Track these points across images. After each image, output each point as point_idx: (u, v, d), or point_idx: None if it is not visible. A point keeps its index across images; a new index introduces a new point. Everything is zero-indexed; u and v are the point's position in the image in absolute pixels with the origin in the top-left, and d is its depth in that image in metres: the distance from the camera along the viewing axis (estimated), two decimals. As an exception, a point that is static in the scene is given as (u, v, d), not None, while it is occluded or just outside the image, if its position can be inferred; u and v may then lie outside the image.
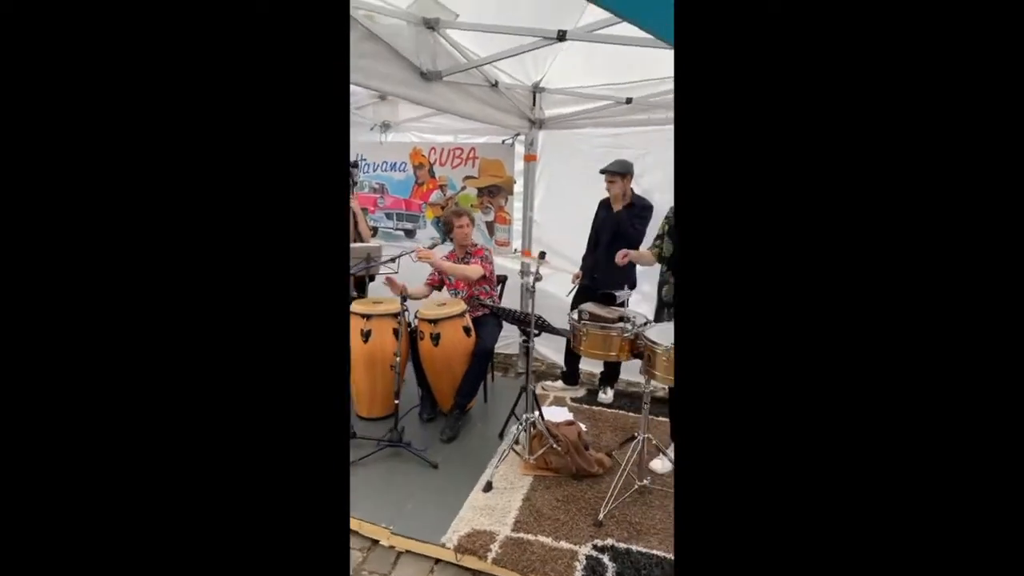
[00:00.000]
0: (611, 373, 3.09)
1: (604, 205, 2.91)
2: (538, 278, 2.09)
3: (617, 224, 2.75)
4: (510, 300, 3.34)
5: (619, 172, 2.71)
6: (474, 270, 2.77)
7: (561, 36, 2.01)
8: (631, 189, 2.79)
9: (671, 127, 3.11)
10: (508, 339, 3.60)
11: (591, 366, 3.25)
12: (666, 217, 2.35)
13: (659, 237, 2.35)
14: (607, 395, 3.08)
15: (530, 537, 1.90)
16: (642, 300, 2.86)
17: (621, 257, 2.39)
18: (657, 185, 3.06)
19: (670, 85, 2.85)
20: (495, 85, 2.74)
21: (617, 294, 1.97)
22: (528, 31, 2.09)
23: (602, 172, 2.74)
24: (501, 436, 2.62)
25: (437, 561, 1.86)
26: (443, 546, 1.86)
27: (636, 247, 2.65)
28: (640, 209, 2.74)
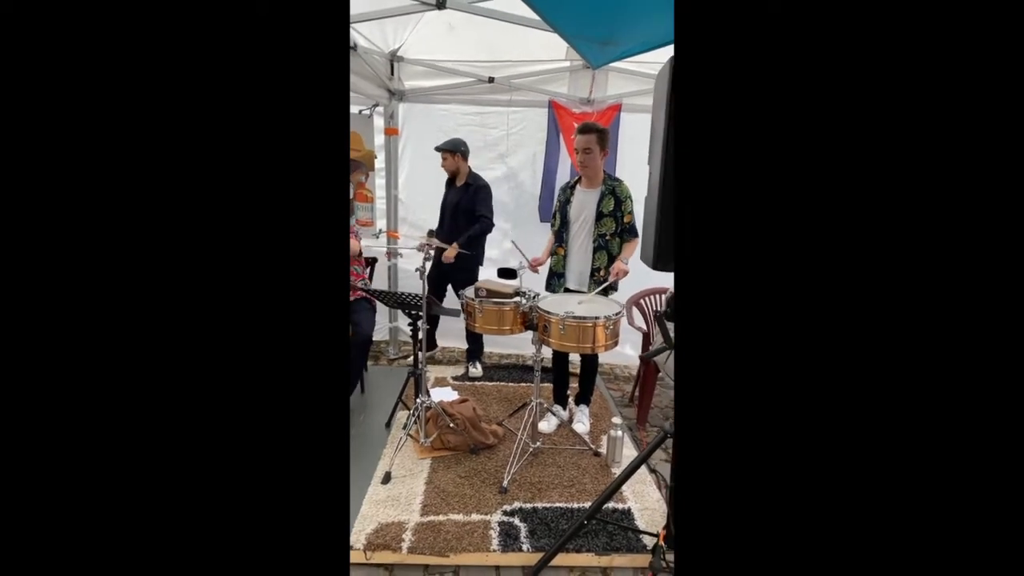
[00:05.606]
0: (476, 348, 3.17)
1: (450, 182, 2.95)
2: (399, 254, 2.00)
3: (459, 200, 2.83)
4: (378, 283, 3.15)
5: (449, 149, 2.79)
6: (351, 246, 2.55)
7: (440, 3, 1.93)
8: (468, 166, 2.86)
9: (535, 109, 3.22)
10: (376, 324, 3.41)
11: (459, 342, 3.27)
12: (560, 190, 2.44)
13: (554, 215, 2.45)
14: (476, 369, 3.16)
15: (441, 518, 1.88)
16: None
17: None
18: (522, 164, 3.20)
19: (532, 67, 2.98)
20: (354, 48, 2.51)
21: (516, 269, 2.02)
22: (405, -7, 1.96)
23: (436, 150, 2.80)
24: (388, 425, 2.51)
25: (345, 566, 1.72)
26: (350, 548, 1.73)
27: (473, 222, 2.81)
28: (479, 188, 2.83)
